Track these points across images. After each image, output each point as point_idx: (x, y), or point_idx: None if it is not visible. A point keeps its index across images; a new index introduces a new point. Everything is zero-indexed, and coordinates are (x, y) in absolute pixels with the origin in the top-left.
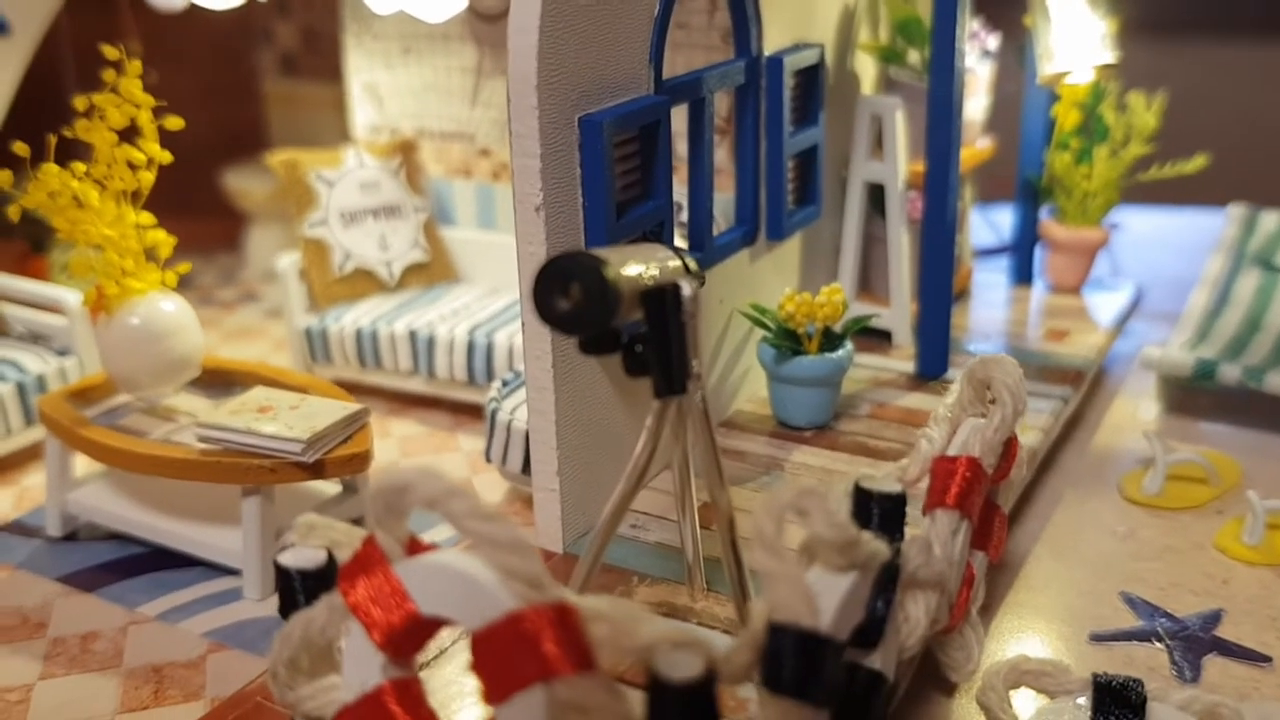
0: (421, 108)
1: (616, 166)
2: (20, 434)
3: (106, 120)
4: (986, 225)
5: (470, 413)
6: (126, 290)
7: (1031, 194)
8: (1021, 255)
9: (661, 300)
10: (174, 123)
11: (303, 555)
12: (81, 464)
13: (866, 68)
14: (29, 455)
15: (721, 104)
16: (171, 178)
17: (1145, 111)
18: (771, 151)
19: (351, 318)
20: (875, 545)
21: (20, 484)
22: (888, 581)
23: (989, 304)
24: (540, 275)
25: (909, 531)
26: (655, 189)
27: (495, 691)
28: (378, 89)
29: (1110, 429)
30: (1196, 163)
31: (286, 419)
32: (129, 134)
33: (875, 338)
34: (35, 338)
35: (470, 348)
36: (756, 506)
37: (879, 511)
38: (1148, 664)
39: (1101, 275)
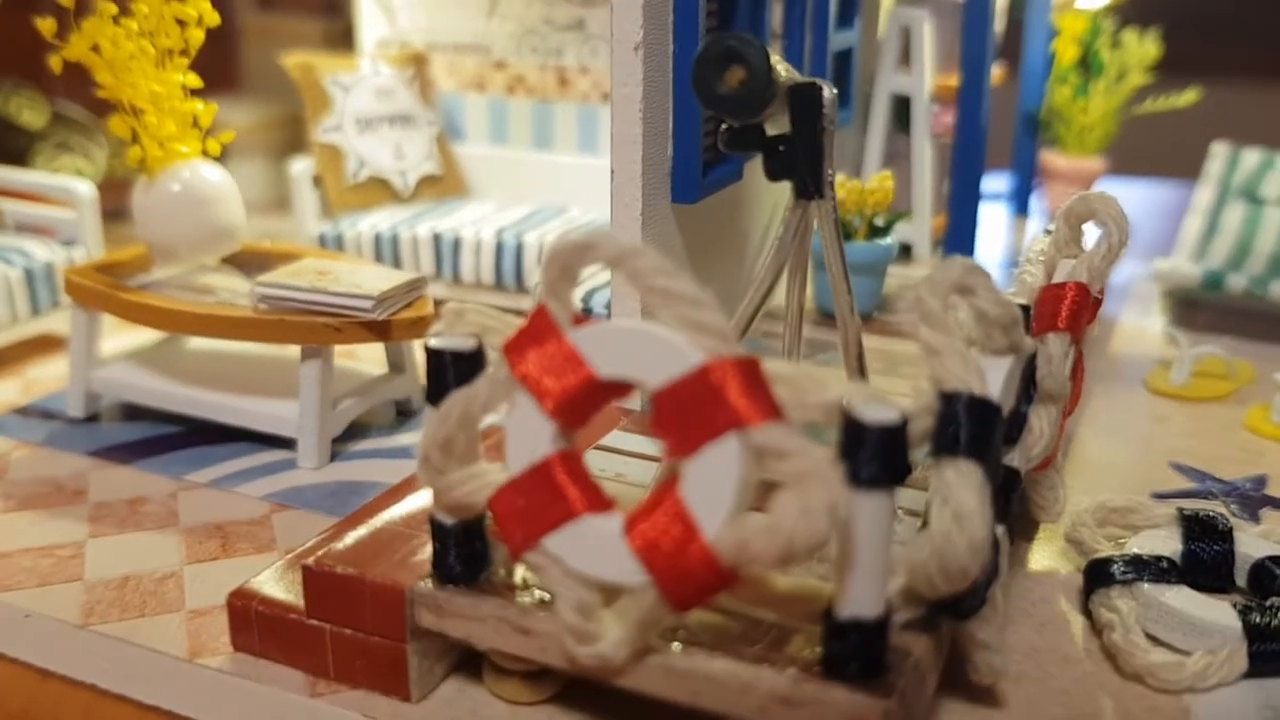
0: (434, 20)
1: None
2: (26, 322)
3: None
4: None
5: None
6: (170, 154)
7: (1031, 126)
8: (1021, 187)
9: (811, 96)
10: None
11: (452, 340)
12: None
13: None
14: (33, 348)
15: None
16: None
17: (1139, 46)
18: (817, 46)
19: (369, 223)
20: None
21: (25, 375)
22: (1031, 376)
23: (990, 231)
24: (704, 53)
25: None
26: None
27: (684, 445)
28: (389, 0)
29: (1122, 339)
30: (1189, 96)
31: (349, 280)
32: None
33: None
34: (33, 232)
35: (499, 249)
36: (920, 283)
37: None
38: None
39: None
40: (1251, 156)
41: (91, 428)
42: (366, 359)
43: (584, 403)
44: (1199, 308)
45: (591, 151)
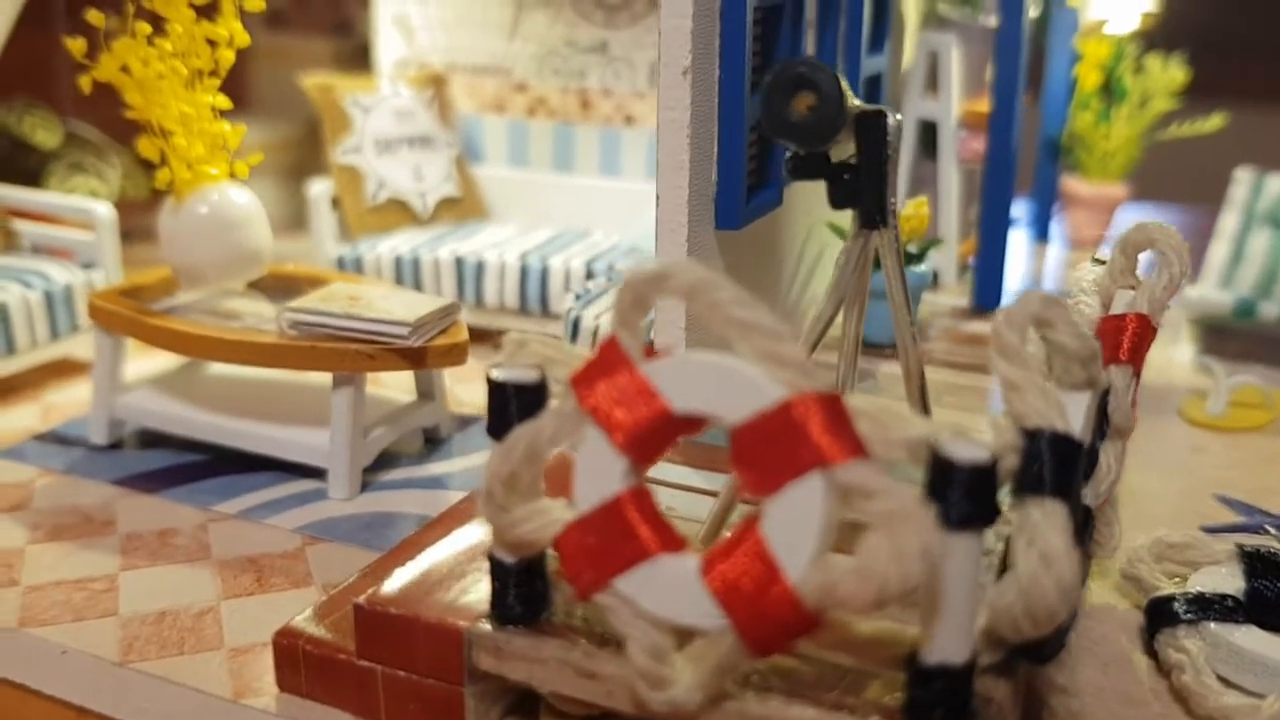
0: (453, 41)
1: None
2: (45, 347)
3: None
4: None
5: None
6: (199, 176)
7: (1053, 151)
8: (1042, 212)
9: (877, 124)
10: (254, 3)
11: (515, 372)
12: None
13: (910, 7)
14: (52, 372)
15: None
16: None
17: (1163, 73)
18: (850, 72)
19: (388, 246)
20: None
21: (44, 400)
22: (1104, 410)
23: (1012, 257)
24: (775, 80)
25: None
26: None
27: (765, 484)
28: (408, 20)
29: (1150, 368)
30: (1213, 122)
31: (382, 306)
32: (207, 11)
33: None
34: (50, 254)
35: (524, 273)
36: (998, 316)
37: None
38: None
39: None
40: (1276, 182)
41: (115, 455)
42: (392, 385)
43: (656, 437)
44: (1229, 336)
45: (613, 174)
